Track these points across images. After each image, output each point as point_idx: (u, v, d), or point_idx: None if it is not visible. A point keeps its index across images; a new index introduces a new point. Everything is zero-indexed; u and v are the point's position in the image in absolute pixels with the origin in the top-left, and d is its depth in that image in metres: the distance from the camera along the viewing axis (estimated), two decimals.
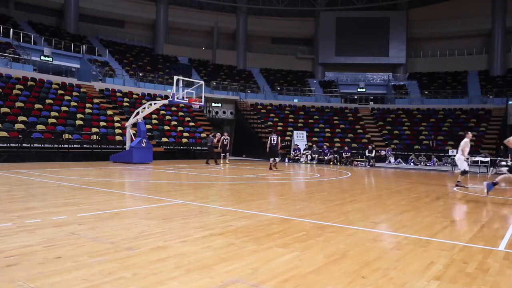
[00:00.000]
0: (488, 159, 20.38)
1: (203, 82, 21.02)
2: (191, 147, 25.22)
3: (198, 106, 22.11)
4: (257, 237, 4.78)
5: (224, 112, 32.98)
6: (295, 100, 35.86)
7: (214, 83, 34.09)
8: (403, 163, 25.38)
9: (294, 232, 5.13)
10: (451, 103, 33.22)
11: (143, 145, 18.36)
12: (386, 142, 29.42)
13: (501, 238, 5.08)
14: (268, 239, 4.67)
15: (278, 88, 37.51)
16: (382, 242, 4.92)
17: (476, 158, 21.65)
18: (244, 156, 28.46)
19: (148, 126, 23.58)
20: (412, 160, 25.33)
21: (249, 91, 35.54)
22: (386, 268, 3.73)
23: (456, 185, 11.78)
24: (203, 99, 21.04)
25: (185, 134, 26.42)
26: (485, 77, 35.77)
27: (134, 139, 18.75)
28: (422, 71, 38.56)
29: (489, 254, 4.33)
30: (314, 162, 24.65)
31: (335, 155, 24.77)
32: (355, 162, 24.19)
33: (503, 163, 19.94)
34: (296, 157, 25.81)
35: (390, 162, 25.74)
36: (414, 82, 37.57)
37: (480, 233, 5.37)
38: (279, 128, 30.89)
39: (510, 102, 30.73)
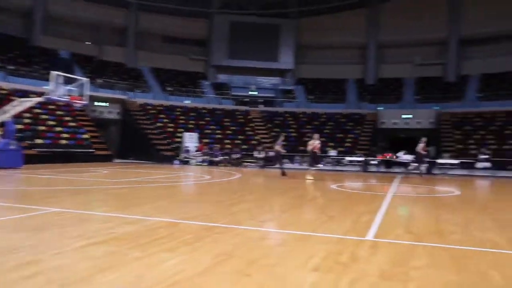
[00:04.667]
0: (362, 158, 22.61)
1: (86, 79, 19.58)
2: (71, 150, 23.29)
3: (80, 105, 20.53)
4: (142, 243, 4.58)
5: (110, 112, 31.14)
6: (187, 101, 35.51)
7: (99, 81, 32.01)
8: (290, 164, 26.78)
9: (182, 235, 5.04)
10: (332, 108, 36.13)
11: (11, 147, 16.34)
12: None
13: (369, 229, 5.65)
14: (154, 244, 4.52)
15: (169, 89, 36.77)
16: (268, 240, 5.11)
17: (352, 158, 23.90)
18: (131, 158, 27.14)
19: (19, 126, 21.09)
20: (298, 161, 26.88)
21: (138, 91, 34.18)
22: (271, 265, 3.87)
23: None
24: (86, 98, 19.57)
25: (65, 135, 24.29)
26: (361, 85, 39.65)
27: (0, 140, 16.60)
28: (308, 77, 41.14)
29: (360, 244, 4.78)
30: (205, 164, 24.69)
31: (226, 157, 25.14)
32: (245, 163, 24.85)
33: (373, 162, 22.33)
34: (187, 159, 25.55)
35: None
36: (300, 87, 39.97)
37: (353, 226, 5.90)
38: (169, 129, 30.29)
39: (379, 108, 34.60)
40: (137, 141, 28.52)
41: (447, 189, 12.55)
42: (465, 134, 30.03)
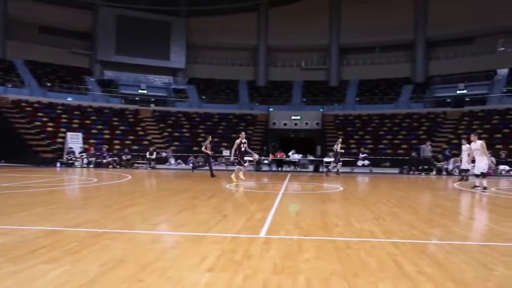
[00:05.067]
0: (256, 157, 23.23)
1: None
2: None
3: None
4: (17, 255, 4.08)
5: None
6: (69, 99, 32.79)
7: None
8: (183, 164, 26.45)
9: (65, 244, 4.60)
10: (225, 108, 36.63)
11: None
12: (167, 144, 30.12)
13: (262, 227, 5.83)
14: (32, 256, 4.05)
15: (48, 84, 33.55)
16: (161, 243, 4.94)
17: (246, 158, 24.42)
18: (2, 162, 24.05)
19: None
20: (191, 161, 26.65)
21: (10, 85, 30.55)
22: (164, 268, 3.75)
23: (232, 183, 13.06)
24: None
25: None
26: (253, 86, 40.88)
27: None
28: (200, 77, 41.08)
29: (253, 241, 4.90)
30: (91, 166, 23.08)
31: (115, 158, 23.82)
32: (136, 165, 23.84)
33: (266, 161, 23.17)
34: (70, 161, 23.59)
35: (170, 163, 26.43)
36: (193, 87, 39.72)
37: (247, 224, 6.03)
38: (49, 129, 27.68)
39: (271, 110, 36.08)
40: (10, 142, 25.35)
41: (332, 186, 13.59)
42: (346, 135, 32.86)
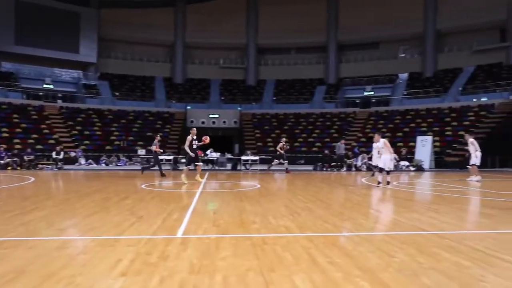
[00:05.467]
0: (172, 157, 22.80)
1: None
2: None
3: None
4: None
5: None
6: None
7: None
8: (94, 164, 25.02)
9: None
10: (141, 106, 35.36)
11: None
12: (77, 143, 28.26)
13: (179, 227, 5.72)
14: None
15: None
16: (69, 249, 4.60)
17: (162, 157, 23.83)
18: None
19: None
20: (104, 161, 25.33)
21: None
22: (72, 276, 3.49)
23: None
24: None
25: None
26: (169, 83, 39.97)
27: None
28: (114, 72, 39.19)
29: (170, 242, 4.78)
30: None
31: (15, 159, 21.75)
32: (40, 165, 22.02)
33: (183, 160, 22.75)
34: None
35: (80, 163, 24.86)
36: (105, 83, 37.72)
37: (163, 225, 5.87)
38: None
39: (188, 107, 35.60)
40: None
41: (250, 183, 13.80)
42: (264, 133, 33.61)
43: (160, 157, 23.13)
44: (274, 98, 38.96)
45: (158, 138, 16.84)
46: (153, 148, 16.42)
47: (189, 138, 12.69)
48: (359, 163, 22.96)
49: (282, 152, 20.17)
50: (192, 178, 13.24)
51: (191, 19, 40.53)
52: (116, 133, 30.74)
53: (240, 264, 3.92)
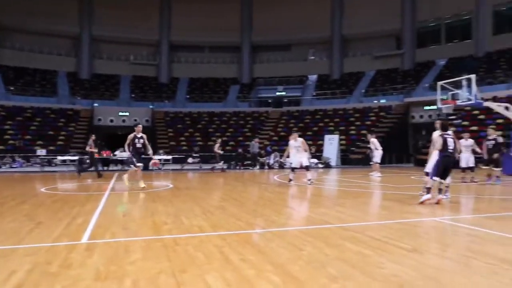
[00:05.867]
0: (77, 157, 21.32)
1: None
2: None
3: None
4: None
5: None
6: None
7: None
8: None
9: None
10: (40, 102, 32.50)
11: None
12: None
13: (84, 232, 5.35)
14: None
15: None
16: None
17: (65, 157, 22.25)
18: None
19: None
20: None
21: None
22: None
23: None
24: None
25: None
26: (74, 79, 37.29)
27: None
28: (9, 64, 35.41)
29: (73, 249, 4.45)
30: None
31: None
32: None
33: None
34: None
35: None
36: None
37: (66, 230, 5.45)
38: None
39: (95, 105, 33.59)
40: None
41: (162, 183, 13.44)
42: (177, 132, 32.98)
43: (63, 158, 21.58)
44: (188, 96, 38.44)
45: (93, 137, 15.99)
46: (88, 148, 15.78)
47: (131, 136, 11.34)
48: (271, 161, 23.63)
49: (221, 152, 20.04)
50: (132, 179, 11.72)
51: (99, 11, 38.19)
52: (10, 131, 27.91)
53: (150, 267, 3.78)
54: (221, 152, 20.05)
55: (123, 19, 37.52)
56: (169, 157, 22.27)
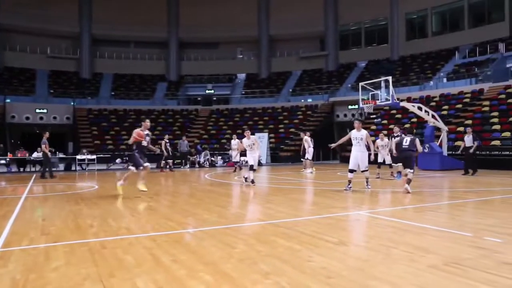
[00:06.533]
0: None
1: None
2: None
3: None
4: None
5: None
6: None
7: None
8: None
9: None
10: None
11: None
12: None
13: None
14: None
15: None
16: None
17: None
18: None
19: None
20: None
21: None
22: None
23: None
24: None
25: None
26: None
27: None
28: None
29: None
30: None
31: None
32: None
33: (3, 162, 19.72)
34: None
35: None
36: None
37: None
38: None
39: (7, 101, 30.85)
40: None
41: (87, 184, 12.74)
42: (101, 130, 31.42)
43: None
44: (113, 93, 36.77)
45: (47, 135, 15.02)
46: (43, 147, 14.84)
47: (140, 133, 9.54)
48: (202, 160, 23.43)
49: (170, 149, 19.41)
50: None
51: None
52: None
53: (75, 273, 3.57)
54: (169, 149, 19.62)
55: (36, 8, 34.75)
56: (94, 156, 21.12)
